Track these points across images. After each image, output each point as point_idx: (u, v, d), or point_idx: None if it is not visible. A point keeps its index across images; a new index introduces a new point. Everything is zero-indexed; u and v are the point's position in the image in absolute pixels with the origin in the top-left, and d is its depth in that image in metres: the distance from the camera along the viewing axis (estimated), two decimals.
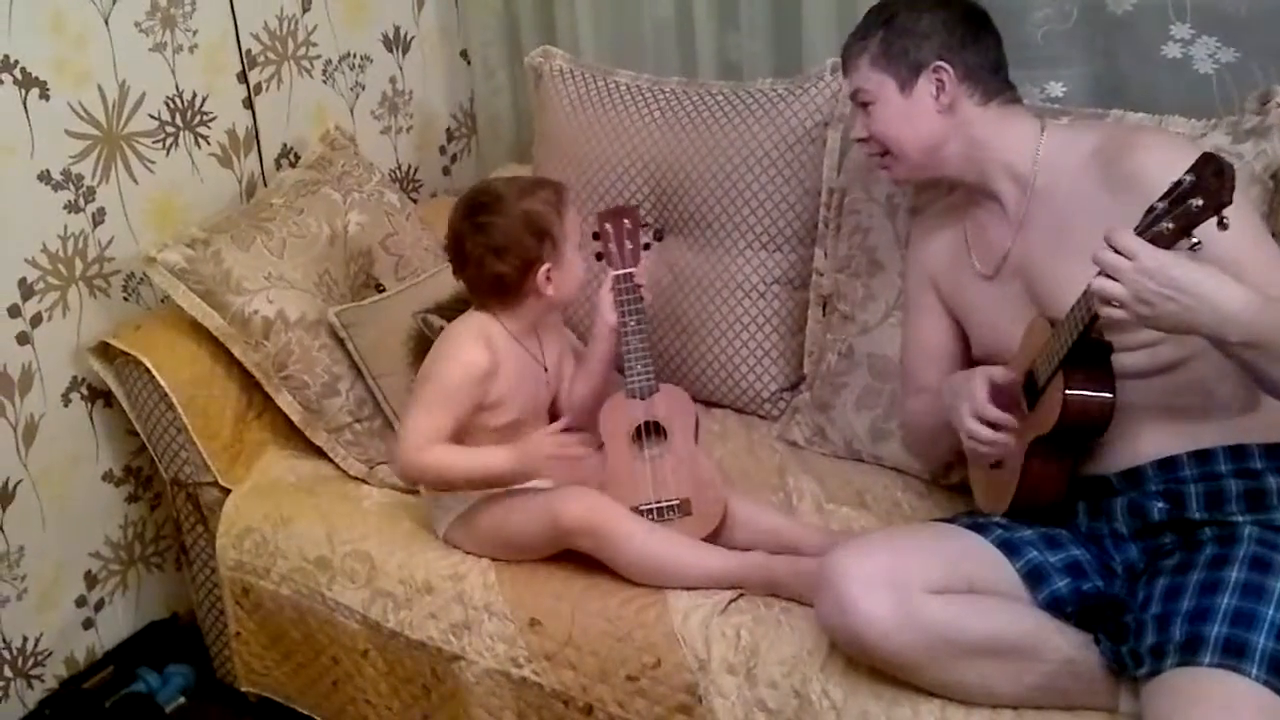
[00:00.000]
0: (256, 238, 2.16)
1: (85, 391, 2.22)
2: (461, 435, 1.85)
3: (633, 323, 1.96)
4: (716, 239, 2.22)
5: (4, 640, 2.16)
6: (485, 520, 1.87)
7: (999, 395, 1.60)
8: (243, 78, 2.40)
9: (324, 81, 2.57)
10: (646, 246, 2.04)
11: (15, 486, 2.13)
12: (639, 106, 2.32)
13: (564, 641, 1.75)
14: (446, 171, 2.92)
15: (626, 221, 2.00)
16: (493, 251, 1.85)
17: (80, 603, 2.29)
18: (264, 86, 2.45)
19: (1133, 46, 2.05)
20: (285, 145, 2.50)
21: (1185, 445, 1.54)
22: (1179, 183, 1.30)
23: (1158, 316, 1.34)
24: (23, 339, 2.11)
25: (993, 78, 1.71)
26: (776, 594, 1.72)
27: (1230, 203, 1.27)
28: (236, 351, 2.11)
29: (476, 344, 1.86)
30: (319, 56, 2.55)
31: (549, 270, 1.87)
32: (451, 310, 2.07)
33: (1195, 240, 1.31)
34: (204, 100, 2.33)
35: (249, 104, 2.42)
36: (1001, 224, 1.71)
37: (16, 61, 2.01)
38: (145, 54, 2.21)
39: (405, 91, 2.76)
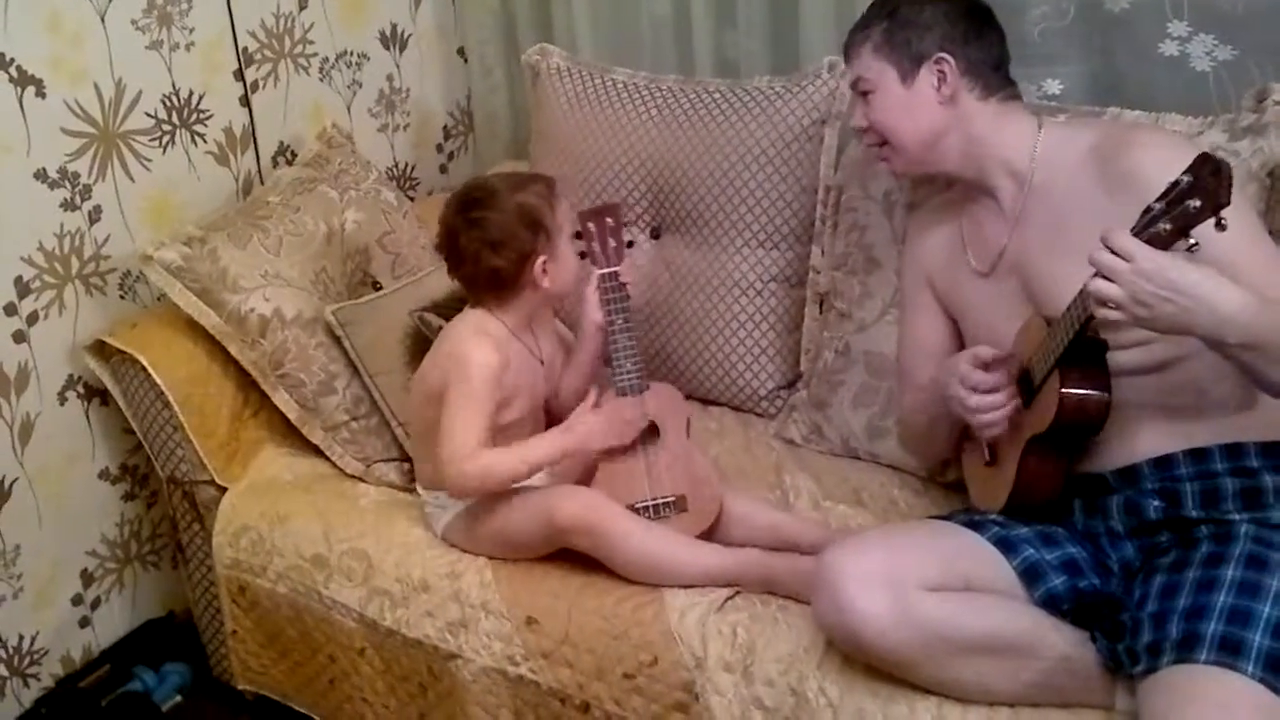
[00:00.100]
0: (253, 236, 2.16)
1: (81, 390, 2.22)
2: None
3: (620, 321, 1.96)
4: (714, 236, 2.22)
5: (0, 639, 2.16)
6: (483, 519, 1.87)
7: (990, 370, 1.60)
8: (239, 76, 2.40)
9: (321, 79, 2.57)
10: (630, 244, 2.04)
11: (11, 485, 2.13)
12: (636, 104, 2.32)
13: (561, 639, 1.75)
14: (443, 169, 2.92)
15: (609, 220, 2.01)
16: (489, 246, 1.85)
17: (76, 601, 2.29)
18: (261, 84, 2.44)
19: (1130, 44, 2.05)
20: (282, 143, 2.50)
21: (1181, 443, 1.54)
22: (1176, 183, 1.30)
23: (1154, 318, 1.34)
24: (19, 337, 2.11)
25: (994, 74, 1.71)
26: (773, 591, 1.72)
27: (1228, 203, 1.26)
28: (233, 350, 2.11)
29: (484, 342, 1.86)
30: (316, 54, 2.55)
31: (545, 263, 1.87)
32: (448, 308, 2.07)
33: (1193, 241, 1.30)
34: (200, 98, 2.33)
35: (246, 102, 2.42)
36: (998, 221, 1.71)
37: (12, 59, 2.01)
38: (142, 52, 2.21)
39: (402, 89, 2.76)
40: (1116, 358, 1.49)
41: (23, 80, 2.03)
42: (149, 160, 2.25)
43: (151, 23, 2.21)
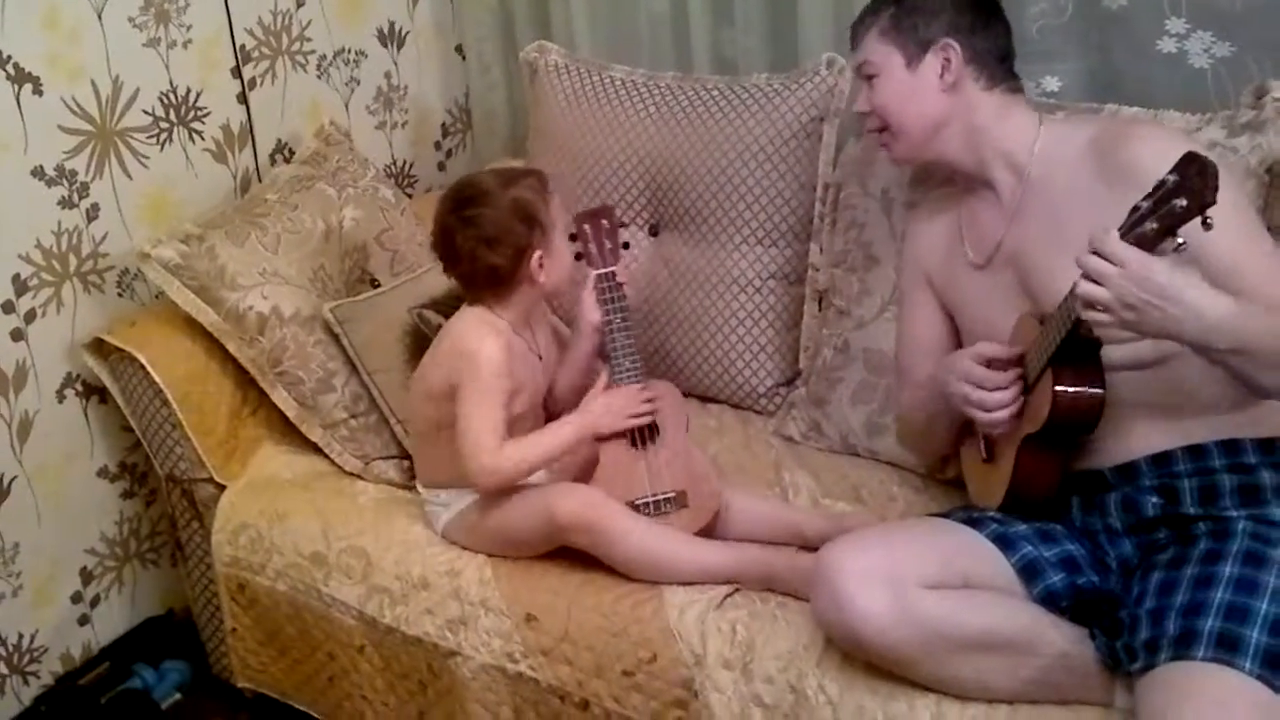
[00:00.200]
0: (251, 233, 2.16)
1: (80, 388, 2.22)
2: None
3: (618, 320, 1.97)
4: (712, 234, 2.22)
5: (0, 637, 2.16)
6: (483, 517, 1.87)
7: (993, 366, 1.60)
8: (237, 73, 2.39)
9: (318, 77, 2.57)
10: (626, 245, 2.05)
11: (10, 483, 2.13)
12: (634, 101, 2.31)
13: (560, 637, 1.76)
14: (442, 167, 2.92)
15: (604, 222, 2.02)
16: (484, 243, 1.85)
17: (76, 599, 2.29)
18: (258, 82, 2.44)
19: (1128, 41, 2.05)
20: (280, 141, 2.50)
21: (1179, 440, 1.54)
22: (1162, 182, 1.29)
23: (1141, 322, 1.34)
24: (17, 335, 2.11)
25: (999, 65, 1.71)
26: (772, 589, 1.72)
27: (1214, 203, 1.26)
28: (231, 347, 2.11)
29: (487, 337, 1.86)
30: (313, 52, 2.54)
31: (541, 257, 1.87)
32: (447, 305, 2.07)
33: (1180, 241, 1.29)
34: (198, 96, 2.32)
35: (243, 99, 2.42)
36: (996, 213, 1.71)
37: (10, 57, 2.01)
38: (139, 49, 2.21)
39: (400, 87, 2.76)
40: (1110, 353, 1.49)
41: (20, 78, 2.03)
42: (146, 158, 2.25)
43: (149, 20, 2.21)
